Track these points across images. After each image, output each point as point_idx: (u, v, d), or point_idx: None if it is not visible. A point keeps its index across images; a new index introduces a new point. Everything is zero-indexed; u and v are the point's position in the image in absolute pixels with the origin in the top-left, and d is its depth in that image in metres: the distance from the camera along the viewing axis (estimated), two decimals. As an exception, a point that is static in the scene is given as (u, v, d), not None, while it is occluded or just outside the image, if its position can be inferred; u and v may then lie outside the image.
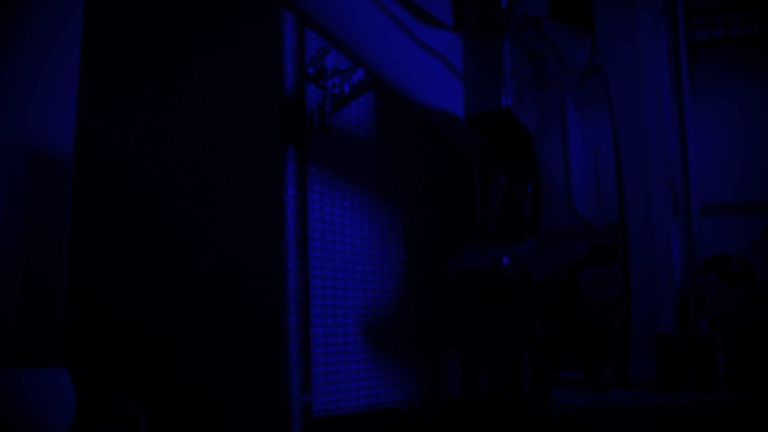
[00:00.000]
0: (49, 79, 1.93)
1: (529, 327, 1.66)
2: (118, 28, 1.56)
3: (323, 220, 1.33)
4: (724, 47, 7.23)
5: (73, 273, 1.53)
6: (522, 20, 1.34)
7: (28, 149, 1.89)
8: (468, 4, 1.26)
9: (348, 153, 1.41)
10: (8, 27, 1.88)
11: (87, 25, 1.61)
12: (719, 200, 6.75)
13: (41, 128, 1.92)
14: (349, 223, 1.39)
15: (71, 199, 1.56)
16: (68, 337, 1.50)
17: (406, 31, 1.16)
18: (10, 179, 1.84)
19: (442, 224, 1.64)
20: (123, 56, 1.53)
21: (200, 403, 1.31)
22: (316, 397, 1.27)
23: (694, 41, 7.12)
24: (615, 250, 1.74)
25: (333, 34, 1.09)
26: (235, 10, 1.37)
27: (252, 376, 1.26)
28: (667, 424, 1.75)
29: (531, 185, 1.33)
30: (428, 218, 1.60)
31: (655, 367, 2.41)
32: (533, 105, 1.34)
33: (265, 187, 1.27)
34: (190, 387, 1.33)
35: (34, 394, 1.16)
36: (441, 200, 1.64)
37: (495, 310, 1.62)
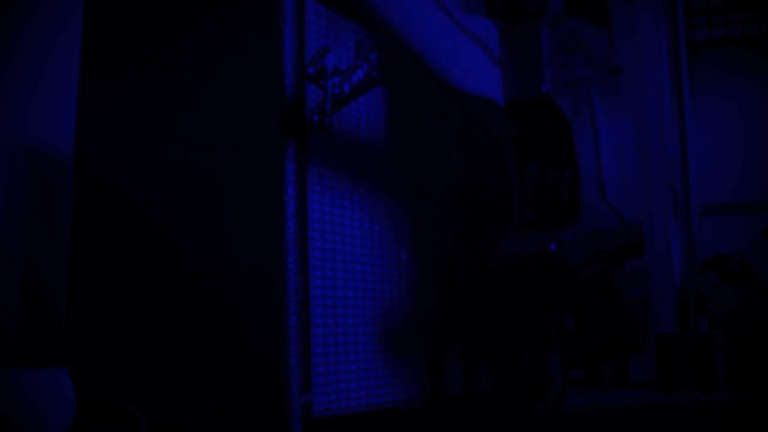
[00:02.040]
0: (49, 79, 1.93)
1: (557, 320, 1.65)
2: (118, 28, 1.56)
3: (323, 220, 1.33)
4: (724, 47, 7.24)
5: (73, 273, 1.53)
6: (558, 15, 1.35)
7: (28, 149, 1.89)
8: None
9: (348, 153, 1.41)
10: (8, 27, 1.88)
11: (87, 25, 1.61)
12: (719, 200, 6.76)
13: (41, 128, 1.92)
14: (349, 223, 1.39)
15: (71, 199, 1.56)
16: (68, 337, 1.50)
17: (448, 14, 1.16)
18: (10, 179, 1.84)
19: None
20: (123, 56, 1.53)
21: (200, 403, 1.31)
22: (316, 397, 1.27)
23: (694, 41, 7.12)
24: (640, 248, 1.75)
25: (377, 15, 1.08)
26: (235, 10, 1.37)
27: (252, 376, 1.26)
28: (667, 424, 1.76)
29: (569, 171, 1.33)
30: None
31: (655, 367, 2.41)
32: (567, 96, 1.35)
33: (265, 187, 1.27)
34: (190, 387, 1.33)
35: (34, 394, 1.16)
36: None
37: (529, 304, 1.61)
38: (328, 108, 1.30)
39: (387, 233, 1.48)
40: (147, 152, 1.46)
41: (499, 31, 1.26)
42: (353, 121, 1.44)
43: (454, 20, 1.17)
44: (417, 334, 1.52)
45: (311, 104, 1.32)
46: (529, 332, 1.73)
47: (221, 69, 1.37)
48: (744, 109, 7.09)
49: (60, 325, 1.60)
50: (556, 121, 1.30)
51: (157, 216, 1.42)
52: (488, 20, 1.25)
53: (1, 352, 1.76)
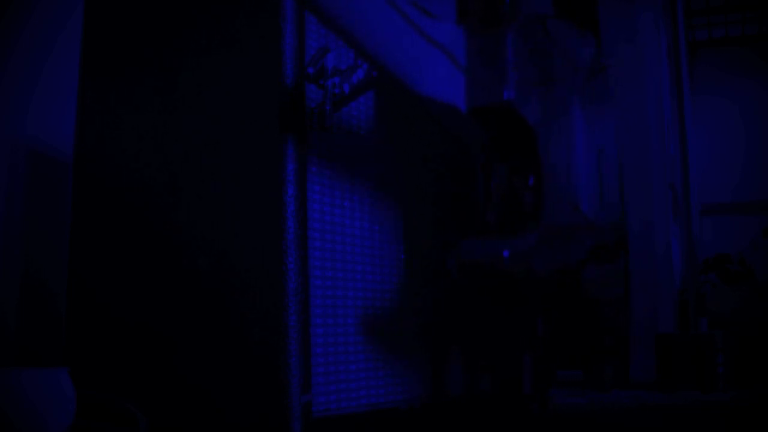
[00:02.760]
0: (49, 79, 1.93)
1: (530, 325, 1.65)
2: (118, 28, 1.56)
3: (323, 220, 1.33)
4: (724, 47, 7.23)
5: (73, 273, 1.53)
6: (528, 18, 1.34)
7: (28, 149, 1.89)
8: None
9: (348, 153, 1.41)
10: (8, 27, 1.88)
11: (87, 25, 1.61)
12: (719, 200, 6.75)
13: (41, 128, 1.92)
14: (349, 223, 1.39)
15: (71, 199, 1.56)
16: (68, 337, 1.50)
17: (410, 22, 1.16)
18: (10, 179, 1.84)
19: (442, 224, 1.64)
20: (123, 56, 1.53)
21: (200, 403, 1.31)
22: (316, 397, 1.27)
23: (694, 41, 7.11)
24: (617, 249, 1.74)
25: (338, 22, 1.09)
26: (234, 10, 1.37)
27: (252, 376, 1.26)
28: (667, 424, 1.75)
29: (533, 179, 1.33)
30: (429, 218, 1.60)
31: (655, 367, 2.41)
32: (538, 102, 1.34)
33: (265, 187, 1.27)
34: (190, 387, 1.33)
35: (34, 394, 1.16)
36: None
37: (497, 306, 1.62)
38: (328, 108, 1.30)
39: (387, 233, 1.48)
40: (147, 152, 1.46)
41: (467, 37, 1.25)
42: (353, 121, 1.44)
43: (416, 27, 1.17)
44: (417, 335, 1.52)
45: (311, 104, 1.32)
46: (504, 335, 1.74)
47: (221, 69, 1.37)
48: (744, 109, 7.08)
49: (60, 325, 1.60)
50: (520, 129, 1.30)
51: (157, 216, 1.42)
52: (455, 26, 1.25)
53: (1, 352, 1.76)
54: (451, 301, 1.64)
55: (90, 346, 1.47)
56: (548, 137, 1.36)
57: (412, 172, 1.58)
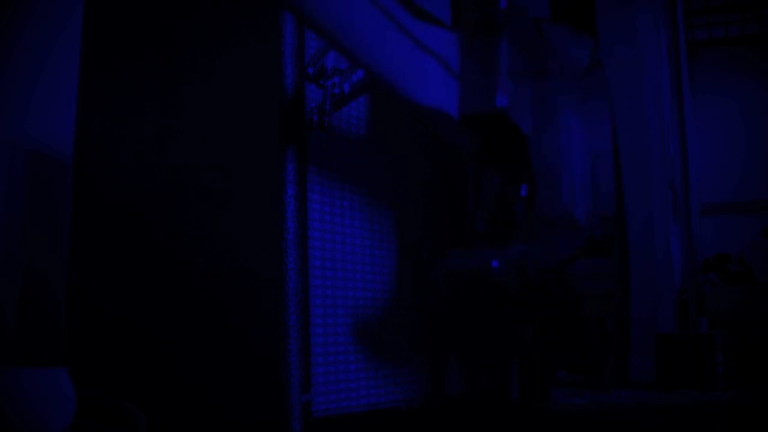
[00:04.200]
0: (49, 79, 1.93)
1: (519, 332, 1.65)
2: (118, 28, 1.56)
3: (323, 220, 1.33)
4: (724, 47, 7.23)
5: (73, 273, 1.53)
6: (522, 21, 1.34)
7: (28, 149, 1.89)
8: (466, 2, 1.26)
9: (348, 153, 1.41)
10: (8, 27, 1.88)
11: (87, 25, 1.61)
12: (719, 200, 6.75)
13: (41, 128, 1.92)
14: (349, 223, 1.39)
15: (71, 199, 1.56)
16: (68, 337, 1.50)
17: (401, 28, 1.15)
18: (10, 179, 1.84)
19: (442, 224, 1.64)
20: (123, 56, 1.53)
21: (200, 403, 1.31)
22: (316, 397, 1.27)
23: (694, 41, 7.12)
24: (607, 243, 1.74)
25: (326, 28, 1.08)
26: (234, 10, 1.37)
27: (252, 375, 1.26)
28: (667, 424, 1.76)
29: (525, 188, 1.32)
30: (429, 218, 1.60)
31: (655, 367, 2.41)
32: (531, 107, 1.34)
33: (265, 187, 1.27)
34: (190, 387, 1.33)
35: (34, 394, 1.16)
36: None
37: (485, 313, 1.62)
38: (328, 108, 1.30)
39: (387, 233, 1.48)
40: (147, 152, 1.46)
41: (461, 44, 1.25)
42: (353, 121, 1.44)
43: (407, 33, 1.16)
44: (417, 334, 1.52)
45: (311, 104, 1.32)
46: (494, 340, 1.74)
47: (221, 69, 1.37)
48: (744, 109, 7.09)
49: (60, 325, 1.60)
50: (513, 137, 1.29)
51: (157, 216, 1.42)
52: (449, 33, 1.24)
53: (1, 352, 1.76)
54: (442, 308, 1.64)
55: (90, 346, 1.47)
56: (540, 141, 1.36)
57: (413, 172, 1.58)
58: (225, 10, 1.38)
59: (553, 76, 1.45)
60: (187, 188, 1.39)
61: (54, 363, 1.64)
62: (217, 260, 1.33)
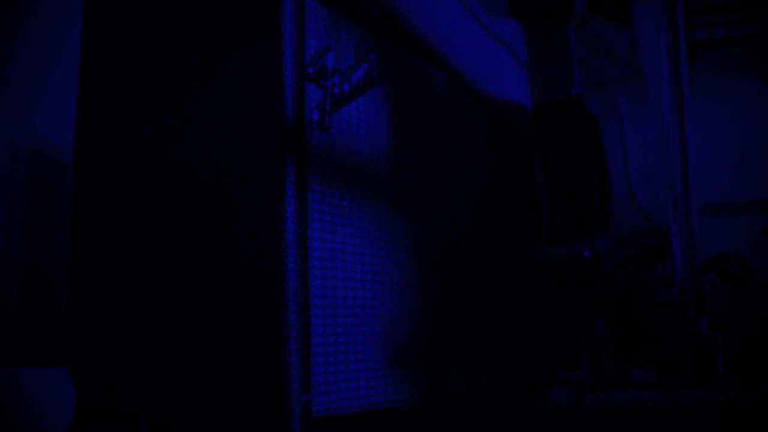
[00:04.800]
0: (49, 79, 1.93)
1: (587, 325, 1.64)
2: (119, 29, 1.56)
3: (323, 220, 1.33)
4: (724, 47, 7.23)
5: (73, 273, 1.53)
6: (582, 16, 1.34)
7: (28, 149, 1.89)
8: None
9: (348, 153, 1.41)
10: (8, 27, 1.88)
11: (87, 25, 1.61)
12: (719, 200, 6.75)
13: (41, 128, 1.92)
14: (349, 223, 1.39)
15: (71, 199, 1.56)
16: (68, 337, 1.50)
17: (478, 20, 1.15)
18: (10, 179, 1.84)
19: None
20: (123, 56, 1.53)
21: (200, 403, 1.31)
22: (316, 397, 1.27)
23: (694, 41, 7.11)
24: (667, 249, 1.74)
25: (406, 16, 1.08)
26: (234, 11, 1.37)
27: (252, 375, 1.26)
28: (667, 424, 1.75)
29: (599, 175, 1.32)
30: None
31: (655, 367, 2.41)
32: (594, 98, 1.34)
33: (264, 187, 1.27)
34: (190, 387, 1.33)
35: (34, 394, 1.16)
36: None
37: (552, 310, 1.61)
38: (328, 108, 1.31)
39: (387, 233, 1.48)
40: (146, 152, 1.46)
41: (525, 33, 1.25)
42: (353, 121, 1.44)
43: (481, 23, 1.16)
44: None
45: (311, 104, 1.32)
46: (547, 336, 1.73)
47: (221, 69, 1.37)
48: (744, 109, 7.08)
49: (60, 325, 1.60)
50: (585, 125, 1.29)
51: (157, 215, 1.42)
52: (514, 23, 1.24)
53: (1, 352, 1.76)
54: (454, 303, 1.64)
55: (90, 346, 1.47)
56: (604, 134, 1.36)
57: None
58: (225, 10, 1.38)
59: (610, 72, 1.45)
60: (187, 188, 1.39)
61: (54, 363, 1.64)
62: (217, 260, 1.33)
